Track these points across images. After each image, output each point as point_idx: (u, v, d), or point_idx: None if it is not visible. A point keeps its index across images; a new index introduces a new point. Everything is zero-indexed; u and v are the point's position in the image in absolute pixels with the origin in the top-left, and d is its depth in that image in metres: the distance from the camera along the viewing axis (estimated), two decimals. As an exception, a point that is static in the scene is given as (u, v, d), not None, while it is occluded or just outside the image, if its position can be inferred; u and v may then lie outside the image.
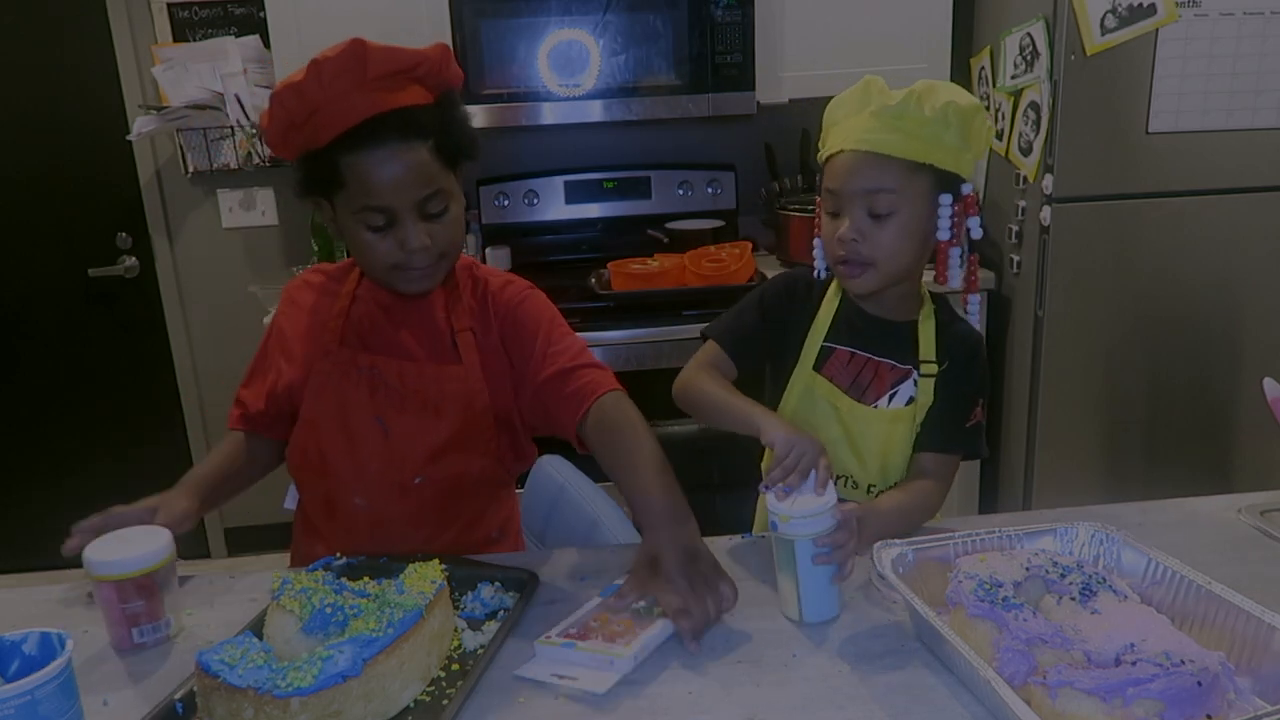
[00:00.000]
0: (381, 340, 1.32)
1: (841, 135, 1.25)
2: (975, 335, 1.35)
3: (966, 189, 1.25)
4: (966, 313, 1.34)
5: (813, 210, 2.86)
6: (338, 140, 1.17)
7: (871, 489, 1.31)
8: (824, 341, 1.32)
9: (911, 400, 1.30)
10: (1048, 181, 2.41)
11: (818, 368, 1.31)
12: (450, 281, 1.34)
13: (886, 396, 1.31)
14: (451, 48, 1.27)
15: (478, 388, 1.31)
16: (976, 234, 1.27)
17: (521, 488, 1.57)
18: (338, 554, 1.17)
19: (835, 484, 1.30)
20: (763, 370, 1.39)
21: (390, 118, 1.17)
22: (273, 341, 1.39)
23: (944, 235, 1.25)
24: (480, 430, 1.33)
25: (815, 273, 1.34)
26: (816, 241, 1.32)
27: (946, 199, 1.23)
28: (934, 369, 1.30)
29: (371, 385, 1.30)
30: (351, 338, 1.33)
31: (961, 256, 1.30)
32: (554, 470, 1.62)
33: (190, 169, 2.94)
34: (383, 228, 1.21)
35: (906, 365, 1.31)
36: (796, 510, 1.06)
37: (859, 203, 1.22)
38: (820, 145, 1.31)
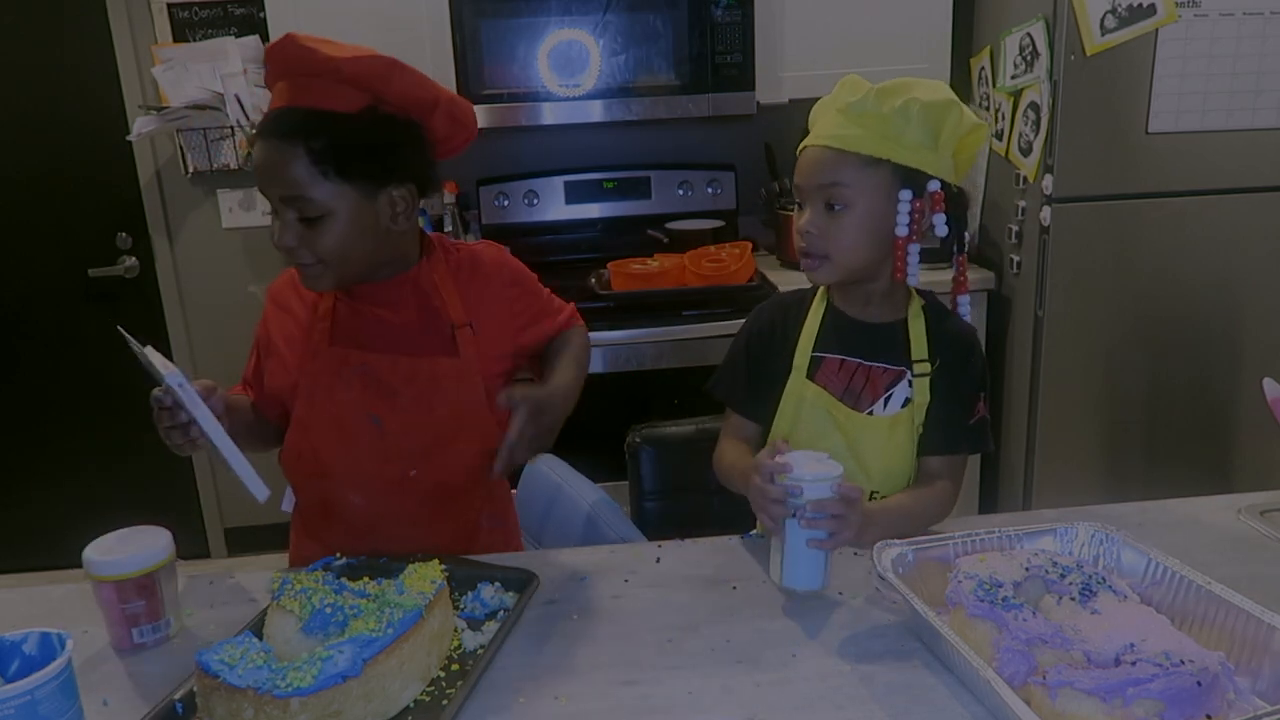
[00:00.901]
0: (371, 334, 1.31)
1: (813, 132, 1.28)
2: (969, 330, 1.35)
3: (933, 186, 1.23)
4: (956, 313, 1.34)
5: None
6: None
7: (875, 495, 1.30)
8: (813, 351, 1.32)
9: (908, 401, 1.29)
10: (1048, 181, 2.41)
11: (809, 377, 1.31)
12: (434, 265, 1.33)
13: (882, 401, 1.30)
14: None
15: (472, 379, 1.31)
16: (940, 231, 1.26)
17: (515, 487, 1.57)
18: (338, 554, 1.17)
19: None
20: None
21: (278, 114, 1.20)
22: (260, 347, 1.39)
23: (901, 231, 1.24)
24: (474, 419, 1.33)
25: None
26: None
27: (906, 195, 1.23)
28: (927, 367, 1.29)
29: (364, 382, 1.30)
30: (341, 336, 1.32)
31: (950, 257, 1.31)
32: (549, 469, 1.62)
33: (190, 169, 2.94)
34: (274, 214, 1.23)
35: (899, 367, 1.30)
36: (798, 473, 1.07)
37: (818, 196, 1.25)
38: None
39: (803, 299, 1.38)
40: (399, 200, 1.24)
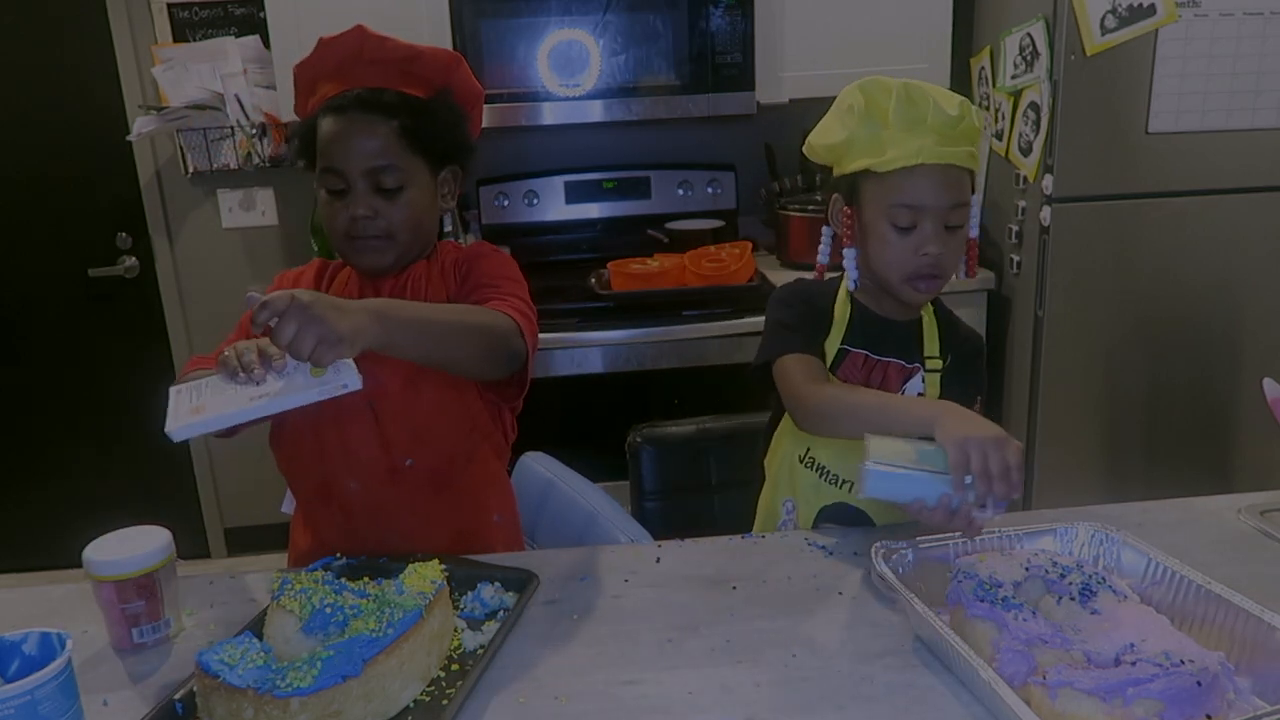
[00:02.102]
0: None
1: (905, 147, 1.21)
2: (978, 336, 1.39)
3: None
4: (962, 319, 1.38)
5: (813, 210, 2.85)
6: (321, 108, 1.30)
7: None
8: (840, 345, 1.33)
9: (919, 396, 1.31)
10: (1048, 181, 2.41)
11: (833, 371, 1.32)
12: (434, 263, 1.36)
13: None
14: (464, 57, 1.33)
15: None
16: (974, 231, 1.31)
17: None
18: (338, 554, 1.17)
19: (841, 488, 1.31)
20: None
21: (360, 93, 1.28)
22: (247, 329, 1.38)
23: (974, 233, 1.29)
24: (463, 402, 1.34)
25: (851, 284, 1.33)
26: (849, 253, 1.31)
27: (977, 199, 1.27)
28: (939, 364, 1.32)
29: (360, 367, 1.31)
30: None
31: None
32: (540, 466, 1.62)
33: (190, 169, 2.94)
34: (339, 193, 1.29)
35: (913, 363, 1.32)
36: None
37: (939, 218, 1.23)
38: (840, 152, 1.28)
39: (824, 291, 1.37)
40: (450, 180, 1.37)
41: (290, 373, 1.05)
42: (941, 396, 1.31)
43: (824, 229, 1.37)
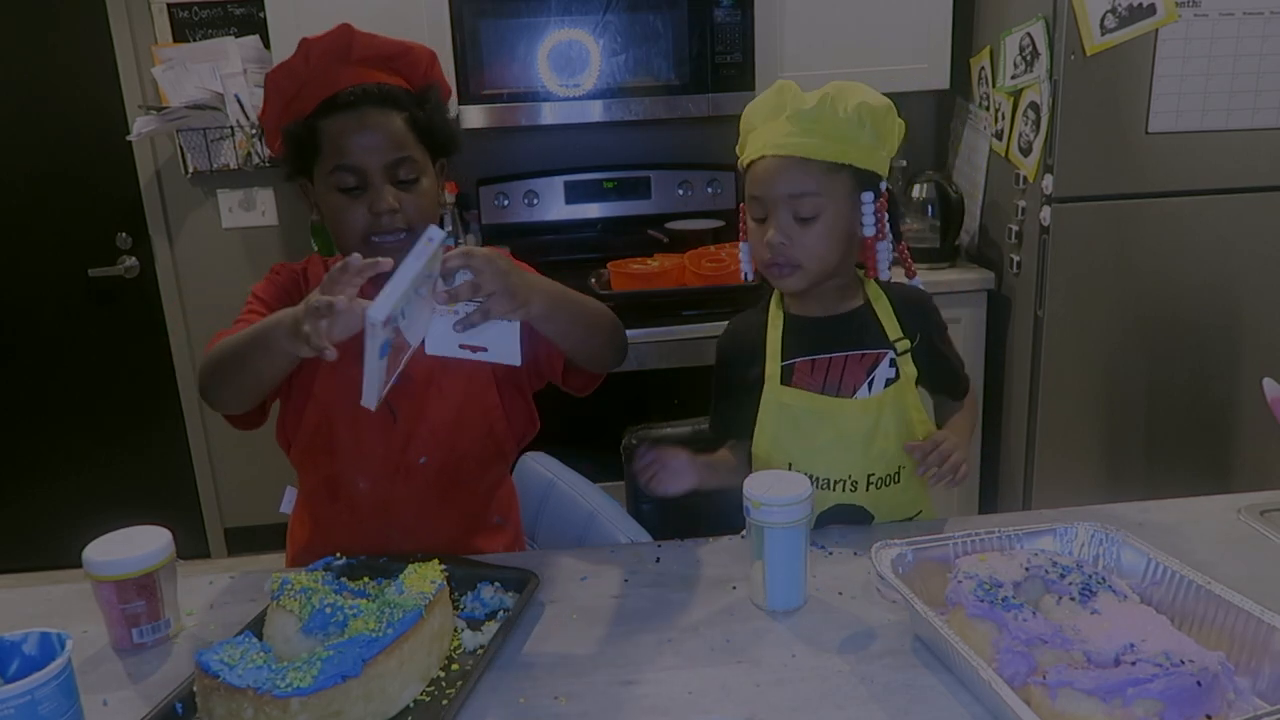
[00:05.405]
0: None
1: (761, 141, 1.29)
2: (919, 291, 1.39)
3: (884, 186, 1.29)
4: (904, 282, 1.39)
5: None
6: (319, 108, 1.26)
7: (871, 477, 1.31)
8: (782, 361, 1.33)
9: (890, 382, 1.30)
10: (1048, 181, 2.41)
11: (786, 384, 1.32)
12: None
13: (865, 385, 1.31)
14: (450, 52, 1.33)
15: (481, 364, 1.32)
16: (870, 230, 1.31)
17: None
18: (338, 554, 1.17)
19: (835, 489, 1.31)
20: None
21: (368, 87, 1.27)
22: (272, 307, 1.36)
23: (869, 231, 1.28)
24: (482, 405, 1.34)
25: (743, 275, 1.39)
26: (742, 247, 1.37)
27: (868, 196, 1.27)
28: (907, 344, 1.32)
29: None
30: None
31: (892, 249, 1.35)
32: (541, 467, 1.62)
33: (190, 169, 2.94)
34: (353, 190, 1.26)
35: (877, 349, 1.31)
36: (769, 498, 1.08)
37: (784, 206, 1.26)
38: (739, 152, 1.36)
39: (752, 320, 1.39)
40: (441, 173, 1.36)
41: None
42: (923, 371, 1.32)
43: (740, 246, 1.40)
